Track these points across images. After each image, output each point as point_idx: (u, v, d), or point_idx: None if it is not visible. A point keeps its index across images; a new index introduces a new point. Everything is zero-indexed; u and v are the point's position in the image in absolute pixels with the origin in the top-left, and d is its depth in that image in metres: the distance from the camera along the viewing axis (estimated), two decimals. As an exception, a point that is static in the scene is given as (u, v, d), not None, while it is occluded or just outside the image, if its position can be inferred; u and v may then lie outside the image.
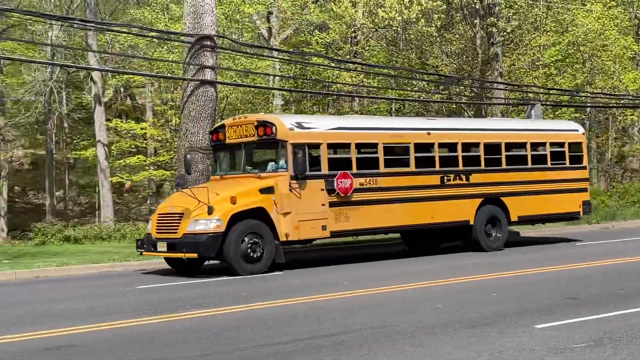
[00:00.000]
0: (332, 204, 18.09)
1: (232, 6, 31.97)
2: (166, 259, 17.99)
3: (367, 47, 34.62)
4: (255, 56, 29.27)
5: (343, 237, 20.45)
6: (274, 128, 17.74)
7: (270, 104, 31.22)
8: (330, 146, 18.66)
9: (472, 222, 20.75)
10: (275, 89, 30.09)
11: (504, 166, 21.57)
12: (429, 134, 20.22)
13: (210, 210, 16.52)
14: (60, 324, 11.27)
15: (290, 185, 17.46)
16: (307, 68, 31.47)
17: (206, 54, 21.30)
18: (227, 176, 18.58)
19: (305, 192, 17.69)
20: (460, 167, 20.64)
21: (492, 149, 21.57)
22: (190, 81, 21.26)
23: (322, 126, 18.48)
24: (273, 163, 17.88)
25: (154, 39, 30.53)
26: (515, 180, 21.74)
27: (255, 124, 18.13)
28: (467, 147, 21.32)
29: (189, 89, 21.34)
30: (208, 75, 21.35)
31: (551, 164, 22.61)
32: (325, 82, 32.06)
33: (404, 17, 30.59)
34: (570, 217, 24.35)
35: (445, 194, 20.23)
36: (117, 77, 37.65)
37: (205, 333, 10.21)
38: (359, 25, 32.34)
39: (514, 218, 21.65)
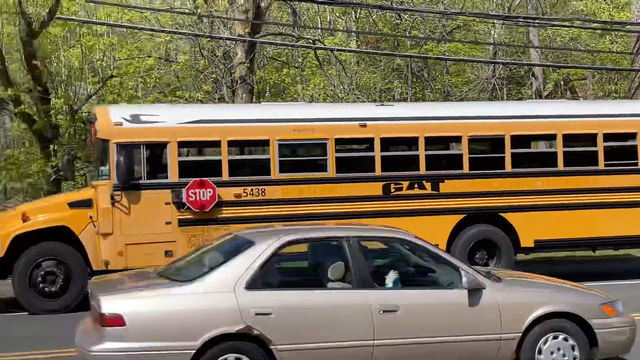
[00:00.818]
0: (183, 223, 13.59)
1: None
2: None
3: None
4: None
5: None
6: (96, 123, 13.74)
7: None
8: (185, 145, 14.19)
9: (442, 247, 14.67)
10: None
11: (508, 169, 15.05)
12: (364, 125, 14.61)
13: (-11, 231, 13.07)
14: None
15: (112, 198, 13.34)
16: None
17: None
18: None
19: (138, 206, 13.43)
20: (422, 172, 14.69)
21: (484, 144, 15.26)
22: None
23: (173, 119, 13.92)
24: (104, 169, 13.86)
25: (597, 30, 29.40)
26: (533, 188, 15.09)
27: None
28: (438, 142, 15.31)
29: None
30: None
31: (606, 165, 15.45)
32: None
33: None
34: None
35: (390, 208, 14.46)
36: (557, 71, 35.97)
37: None
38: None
39: (527, 242, 15.04)
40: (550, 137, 15.48)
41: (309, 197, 14.18)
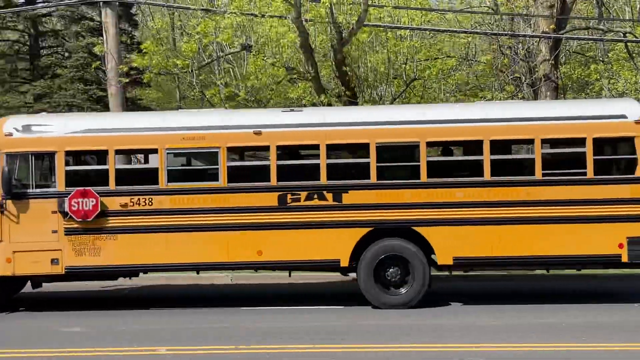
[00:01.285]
0: (68, 232, 13.70)
1: None
2: None
3: None
4: None
5: (88, 278, 14.93)
6: (-7, 134, 14.16)
7: None
8: (73, 155, 14.17)
9: (344, 263, 13.70)
10: None
11: (423, 179, 13.70)
12: (258, 133, 13.91)
13: None
14: None
15: (3, 207, 13.74)
16: None
17: None
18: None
19: (26, 215, 13.73)
20: (323, 181, 13.74)
21: (395, 152, 13.99)
22: None
23: (62, 128, 14.01)
24: None
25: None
26: (452, 200, 13.64)
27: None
28: (343, 149, 14.25)
29: None
30: None
31: (543, 176, 13.63)
32: None
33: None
34: (593, 264, 14.36)
35: (287, 220, 13.67)
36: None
37: None
38: None
39: (444, 260, 13.64)
40: (476, 144, 13.83)
41: (200, 208, 13.75)
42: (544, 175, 13.62)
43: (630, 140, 13.61)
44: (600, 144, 13.81)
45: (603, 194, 13.53)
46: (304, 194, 13.70)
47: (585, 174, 13.57)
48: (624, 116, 13.70)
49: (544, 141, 13.75)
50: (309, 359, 10.15)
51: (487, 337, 11.14)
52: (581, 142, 13.67)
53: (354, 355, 10.30)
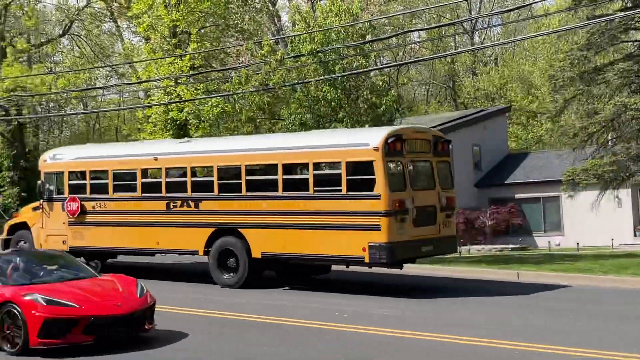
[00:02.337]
0: (70, 223, 21.42)
1: None
2: None
3: None
4: None
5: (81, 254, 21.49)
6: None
7: None
8: (71, 174, 21.55)
9: (200, 253, 19.13)
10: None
11: (243, 193, 18.39)
12: (155, 159, 19.90)
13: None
14: None
15: (42, 206, 22.02)
16: None
17: None
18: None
19: (53, 212, 21.80)
20: (189, 193, 19.26)
21: (229, 172, 18.77)
22: None
23: (67, 157, 21.69)
24: (42, 189, 22.42)
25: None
26: (260, 209, 18.16)
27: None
28: (198, 171, 19.36)
29: None
30: None
31: (315, 191, 17.35)
32: None
33: None
34: (348, 263, 17.15)
35: (171, 220, 19.56)
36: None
37: None
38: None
39: (256, 254, 18.26)
40: (273, 167, 17.91)
41: (127, 210, 20.36)
42: (315, 191, 17.32)
43: (371, 163, 16.56)
44: (351, 167, 16.92)
45: (352, 207, 16.78)
46: (179, 202, 19.42)
47: (341, 190, 16.94)
48: (367, 144, 16.70)
49: (314, 164, 17.37)
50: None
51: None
52: (338, 165, 17.03)
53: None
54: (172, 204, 19.57)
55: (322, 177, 17.53)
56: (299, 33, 26.12)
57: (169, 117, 33.20)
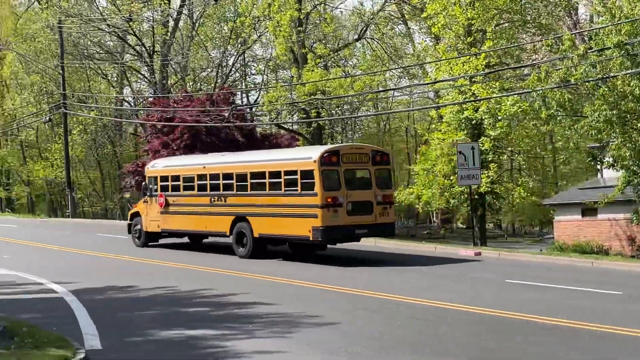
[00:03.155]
0: (161, 213, 30.21)
1: None
2: None
3: None
4: None
5: (168, 236, 29.94)
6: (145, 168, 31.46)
7: None
8: (161, 178, 30.17)
9: (228, 234, 27.03)
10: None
11: (249, 191, 26.08)
12: (204, 167, 28.04)
13: (134, 212, 32.65)
14: None
15: (146, 200, 31.02)
16: None
17: None
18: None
19: (152, 205, 30.70)
20: (221, 191, 27.24)
21: (242, 177, 26.42)
22: None
23: (159, 165, 30.46)
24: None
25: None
26: (257, 203, 25.77)
27: (160, 164, 31.75)
28: (226, 176, 27.10)
29: None
30: None
31: (285, 191, 24.67)
32: None
33: None
34: (302, 241, 24.09)
35: (213, 211, 27.66)
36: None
37: None
38: None
39: (256, 234, 25.91)
40: (263, 174, 25.35)
41: (189, 203, 28.74)
42: (285, 190, 24.64)
43: (312, 171, 23.62)
44: (303, 173, 24.00)
45: (303, 202, 23.95)
46: (216, 197, 27.49)
47: (297, 190, 24.15)
48: (310, 157, 23.82)
49: (285, 172, 24.64)
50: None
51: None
52: (296, 172, 24.23)
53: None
54: (212, 199, 27.69)
55: (289, 180, 24.70)
56: (603, 25, 25.51)
57: (463, 116, 34.21)
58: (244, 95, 66.47)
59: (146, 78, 61.77)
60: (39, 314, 16.05)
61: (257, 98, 61.42)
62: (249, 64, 65.02)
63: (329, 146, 25.20)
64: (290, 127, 56.68)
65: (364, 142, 57.21)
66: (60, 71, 55.20)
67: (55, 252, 30.09)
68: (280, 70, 64.85)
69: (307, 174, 23.96)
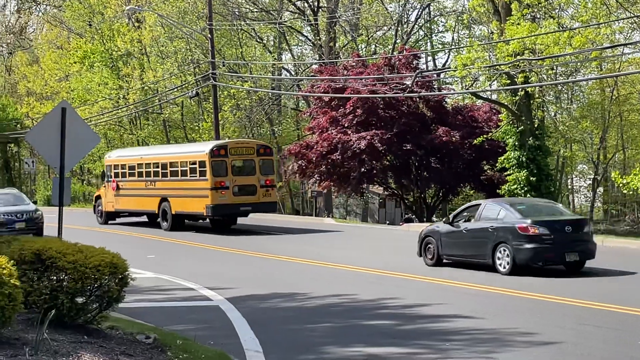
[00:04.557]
0: (115, 195, 37.03)
1: None
2: None
3: None
4: None
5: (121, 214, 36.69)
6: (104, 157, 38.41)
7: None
8: (114, 166, 36.97)
9: (156, 212, 33.73)
10: None
11: (169, 177, 32.78)
12: (142, 158, 34.82)
13: (100, 194, 39.69)
14: None
15: (105, 185, 37.89)
16: None
17: None
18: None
19: (108, 189, 37.52)
20: (152, 177, 33.97)
21: (164, 166, 33.10)
22: None
23: (113, 155, 37.40)
24: (108, 175, 38.20)
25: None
26: (173, 187, 32.45)
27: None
28: (155, 165, 33.79)
29: None
30: None
31: (190, 177, 31.33)
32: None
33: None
34: (200, 216, 30.64)
35: (147, 193, 34.41)
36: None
37: None
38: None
39: (173, 212, 32.58)
40: (176, 163, 31.97)
41: (132, 187, 35.50)
42: (190, 176, 31.26)
43: (204, 162, 30.23)
44: (199, 163, 30.59)
45: (200, 185, 30.57)
46: (149, 182, 34.23)
47: (196, 176, 30.79)
48: (203, 151, 30.47)
49: (190, 162, 31.26)
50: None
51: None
52: (195, 162, 30.84)
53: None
54: (146, 183, 34.46)
55: (192, 169, 31.36)
56: None
57: None
58: (429, 58, 56.13)
59: (309, 41, 54.49)
60: (192, 324, 13.95)
61: (447, 61, 54.18)
62: (435, 19, 56.03)
63: (219, 142, 32.27)
64: (490, 97, 43.31)
65: (583, 115, 49.75)
66: (209, 35, 42.10)
67: (209, 252, 25.94)
68: (475, 26, 54.43)
69: (202, 164, 30.60)
